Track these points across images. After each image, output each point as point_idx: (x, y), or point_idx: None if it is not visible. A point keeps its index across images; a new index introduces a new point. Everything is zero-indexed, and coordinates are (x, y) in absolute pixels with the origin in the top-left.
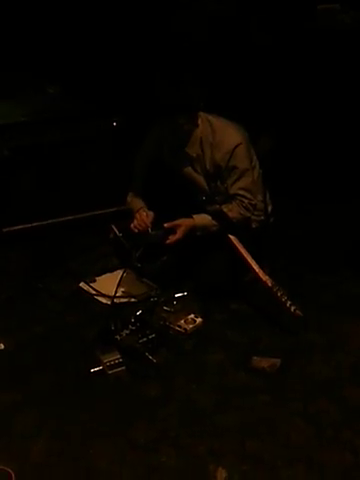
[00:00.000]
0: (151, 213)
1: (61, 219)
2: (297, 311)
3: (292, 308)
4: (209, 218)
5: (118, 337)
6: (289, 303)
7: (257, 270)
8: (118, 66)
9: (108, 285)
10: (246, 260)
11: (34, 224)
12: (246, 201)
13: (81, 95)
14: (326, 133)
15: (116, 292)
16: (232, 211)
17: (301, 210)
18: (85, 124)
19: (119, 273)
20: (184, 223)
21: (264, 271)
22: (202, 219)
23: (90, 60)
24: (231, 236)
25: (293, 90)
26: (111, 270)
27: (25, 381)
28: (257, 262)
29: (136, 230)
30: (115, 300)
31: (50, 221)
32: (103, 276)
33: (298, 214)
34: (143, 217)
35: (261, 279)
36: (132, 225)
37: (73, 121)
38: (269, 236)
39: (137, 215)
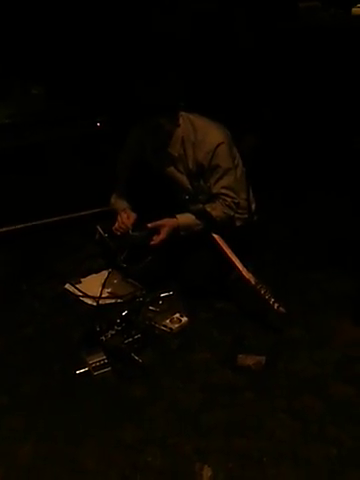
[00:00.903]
0: (133, 214)
1: (46, 220)
2: (280, 308)
3: (276, 305)
4: (193, 217)
5: (103, 338)
6: (272, 300)
7: (241, 268)
8: (101, 67)
9: (93, 286)
10: (230, 259)
11: (19, 226)
12: (229, 200)
13: (65, 96)
14: (311, 128)
15: (101, 293)
16: (215, 210)
17: (287, 207)
18: (69, 125)
19: (104, 274)
20: (168, 223)
21: (248, 269)
22: (186, 218)
23: (74, 61)
24: (215, 235)
25: (276, 87)
26: (97, 271)
27: (11, 383)
28: (241, 260)
29: (118, 232)
30: (100, 301)
31: (35, 223)
32: (88, 277)
33: (284, 211)
34: (124, 219)
35: (244, 277)
36: (113, 227)
37: (57, 122)
38: (253, 234)
39: (118, 217)
